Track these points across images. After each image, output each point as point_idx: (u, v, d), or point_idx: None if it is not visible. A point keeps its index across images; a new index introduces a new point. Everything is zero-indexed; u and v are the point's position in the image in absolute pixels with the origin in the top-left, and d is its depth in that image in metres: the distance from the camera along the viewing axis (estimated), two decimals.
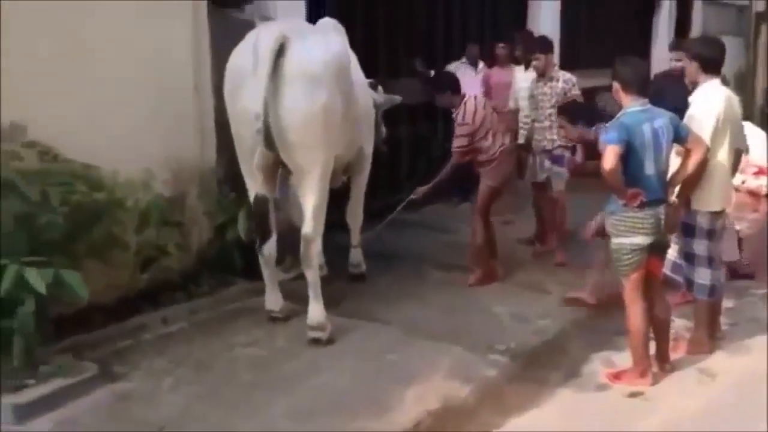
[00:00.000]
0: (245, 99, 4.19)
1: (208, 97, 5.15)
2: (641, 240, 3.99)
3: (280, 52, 4.13)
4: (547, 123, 6.00)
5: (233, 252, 5.12)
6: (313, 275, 4.43)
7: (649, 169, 3.97)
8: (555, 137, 5.95)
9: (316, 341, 4.34)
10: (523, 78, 6.69)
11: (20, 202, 3.83)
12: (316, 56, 4.26)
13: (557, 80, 5.99)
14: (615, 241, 4.07)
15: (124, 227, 4.40)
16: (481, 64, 7.78)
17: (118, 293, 4.45)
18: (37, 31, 4.15)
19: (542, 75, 6.04)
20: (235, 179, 5.32)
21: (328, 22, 4.94)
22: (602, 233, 4.38)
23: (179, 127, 4.97)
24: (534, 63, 6.09)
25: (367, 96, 5.31)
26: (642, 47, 12.00)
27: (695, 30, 12.79)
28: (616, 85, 4.07)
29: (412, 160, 7.81)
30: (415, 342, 4.38)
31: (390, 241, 6.11)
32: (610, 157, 3.85)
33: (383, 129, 5.88)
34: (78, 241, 4.10)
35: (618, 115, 4.05)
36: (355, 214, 5.49)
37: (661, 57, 11.62)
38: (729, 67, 6.97)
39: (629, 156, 3.90)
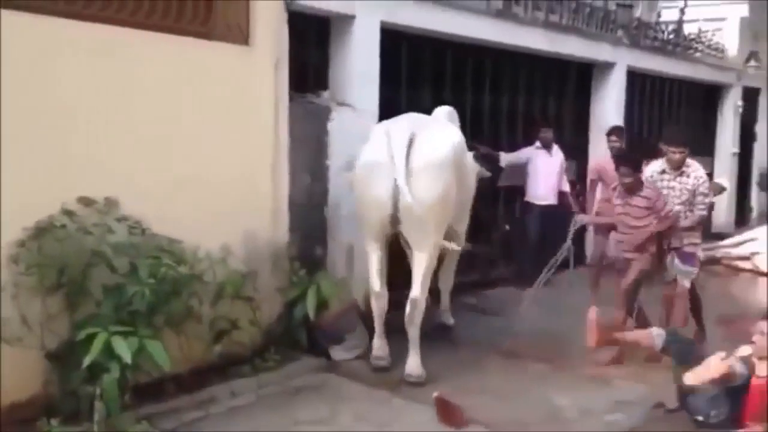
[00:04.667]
0: (378, 187, 4.96)
1: (284, 177, 5.41)
2: None
3: (409, 145, 4.89)
4: None
5: (300, 328, 5.27)
6: (414, 332, 5.10)
7: None
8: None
9: (414, 384, 5.00)
10: None
11: (110, 273, 4.08)
12: (440, 148, 5.06)
13: (687, 176, 5.73)
14: None
15: (201, 300, 4.56)
16: (555, 147, 7.95)
17: (191, 365, 4.60)
18: (130, 114, 4.48)
19: (676, 168, 5.74)
20: (306, 257, 5.53)
21: (444, 111, 5.75)
22: None
23: (255, 206, 5.22)
24: (676, 157, 5.71)
25: (472, 179, 5.92)
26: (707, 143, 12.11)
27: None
28: None
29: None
30: (474, 429, 4.38)
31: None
32: None
33: None
34: (158, 312, 4.27)
35: None
36: (446, 280, 6.24)
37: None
38: None
39: None
